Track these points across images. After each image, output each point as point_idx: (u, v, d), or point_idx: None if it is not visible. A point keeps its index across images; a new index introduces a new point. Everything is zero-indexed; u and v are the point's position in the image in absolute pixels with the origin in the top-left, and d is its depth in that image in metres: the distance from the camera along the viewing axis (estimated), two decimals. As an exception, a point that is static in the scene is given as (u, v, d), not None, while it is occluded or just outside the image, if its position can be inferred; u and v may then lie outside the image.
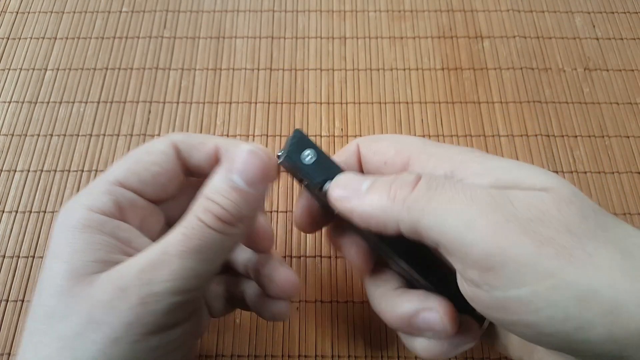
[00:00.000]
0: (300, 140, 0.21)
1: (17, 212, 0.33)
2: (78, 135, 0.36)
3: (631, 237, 0.17)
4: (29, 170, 0.35)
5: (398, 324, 0.21)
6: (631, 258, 0.16)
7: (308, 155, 0.21)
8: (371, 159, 0.22)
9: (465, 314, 0.21)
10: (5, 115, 0.37)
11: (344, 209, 0.20)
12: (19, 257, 0.32)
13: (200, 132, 0.36)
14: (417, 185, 0.18)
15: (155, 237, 0.20)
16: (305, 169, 0.21)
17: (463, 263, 0.18)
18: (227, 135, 0.36)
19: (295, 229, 0.33)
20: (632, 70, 0.39)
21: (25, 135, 0.36)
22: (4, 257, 0.32)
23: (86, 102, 0.37)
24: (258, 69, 0.39)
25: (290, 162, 0.21)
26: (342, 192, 0.20)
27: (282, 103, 0.37)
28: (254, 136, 0.36)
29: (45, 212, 0.33)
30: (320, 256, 0.32)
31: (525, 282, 0.16)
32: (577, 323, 0.16)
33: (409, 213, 0.18)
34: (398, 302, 0.21)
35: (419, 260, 0.21)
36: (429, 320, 0.20)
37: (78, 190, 0.34)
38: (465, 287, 0.18)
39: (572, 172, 0.35)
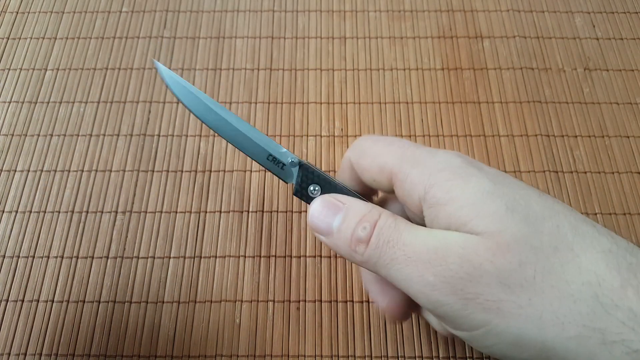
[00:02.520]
0: (305, 176, 0.23)
1: (17, 212, 0.33)
2: (78, 135, 0.36)
3: (582, 275, 0.17)
4: (29, 170, 0.35)
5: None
6: (570, 302, 0.17)
7: (314, 190, 0.23)
8: (362, 175, 0.23)
9: None
10: (5, 115, 0.37)
11: (320, 239, 0.22)
12: (19, 257, 0.32)
13: (200, 132, 0.36)
14: (369, 243, 0.20)
15: None
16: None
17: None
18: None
19: (295, 229, 0.33)
20: (632, 70, 0.39)
21: (25, 135, 0.36)
22: (4, 257, 0.32)
23: (86, 102, 0.37)
24: (258, 69, 0.39)
25: (301, 197, 0.23)
26: (316, 229, 0.22)
27: (282, 103, 0.37)
28: (254, 136, 0.36)
29: (45, 212, 0.33)
30: (320, 256, 0.32)
31: (462, 329, 0.18)
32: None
33: (367, 265, 0.20)
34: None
35: None
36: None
37: (78, 190, 0.34)
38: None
39: (572, 172, 0.35)
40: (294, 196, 0.23)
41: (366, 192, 0.24)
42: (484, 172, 0.19)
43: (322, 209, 0.22)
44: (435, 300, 0.18)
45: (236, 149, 0.26)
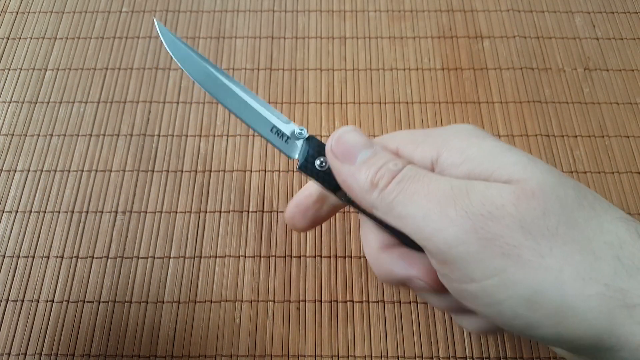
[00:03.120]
0: (312, 148, 0.22)
1: (17, 212, 0.33)
2: (78, 135, 0.36)
3: (604, 235, 0.16)
4: (29, 170, 0.35)
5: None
6: (592, 259, 0.16)
7: (323, 163, 0.22)
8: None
9: None
10: (5, 115, 0.37)
11: (334, 168, 0.21)
12: (19, 257, 0.32)
13: (200, 132, 0.36)
14: (396, 177, 0.19)
15: None
16: (320, 175, 0.22)
17: (427, 252, 0.18)
18: (227, 136, 0.36)
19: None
20: (632, 70, 0.39)
21: (25, 135, 0.36)
22: (4, 257, 0.32)
23: (86, 102, 0.37)
24: (258, 69, 0.39)
25: (306, 171, 0.22)
26: (339, 151, 0.20)
27: (282, 103, 0.37)
28: (253, 136, 0.36)
29: (45, 212, 0.33)
30: (320, 256, 0.32)
31: (473, 279, 0.17)
32: (525, 321, 0.16)
33: (381, 202, 0.19)
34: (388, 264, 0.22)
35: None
36: (419, 285, 0.21)
37: (78, 190, 0.34)
38: (438, 275, 0.19)
39: (572, 172, 0.35)
40: (298, 171, 0.22)
41: None
42: (497, 139, 0.20)
43: (355, 135, 0.20)
44: (453, 237, 0.17)
45: (239, 120, 0.25)
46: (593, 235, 0.16)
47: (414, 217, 0.18)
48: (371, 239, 0.22)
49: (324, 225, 0.33)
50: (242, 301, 0.31)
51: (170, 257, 0.32)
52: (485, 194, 0.17)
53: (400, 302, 0.30)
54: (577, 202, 0.17)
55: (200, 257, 0.32)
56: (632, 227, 0.17)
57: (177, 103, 0.37)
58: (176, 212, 0.33)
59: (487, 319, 0.19)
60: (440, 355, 0.29)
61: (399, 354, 0.29)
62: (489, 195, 0.17)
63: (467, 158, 0.19)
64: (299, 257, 0.32)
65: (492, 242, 0.16)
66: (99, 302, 0.30)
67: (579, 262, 0.16)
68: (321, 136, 0.36)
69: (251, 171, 0.35)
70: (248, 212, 0.33)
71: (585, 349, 0.16)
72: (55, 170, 0.35)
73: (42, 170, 0.35)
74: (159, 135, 0.36)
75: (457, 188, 0.17)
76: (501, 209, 0.16)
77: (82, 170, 0.35)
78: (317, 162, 0.22)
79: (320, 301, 0.31)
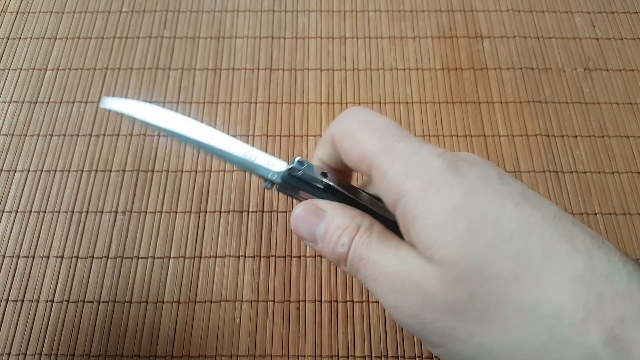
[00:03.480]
0: (285, 188, 0.23)
1: (17, 212, 0.33)
2: (78, 135, 0.36)
3: (542, 306, 0.16)
4: (29, 170, 0.35)
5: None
6: (523, 336, 0.16)
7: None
8: (343, 157, 0.22)
9: None
10: (5, 115, 0.37)
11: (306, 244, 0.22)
12: (19, 257, 0.32)
13: (200, 132, 0.36)
14: (347, 260, 0.20)
15: None
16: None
17: None
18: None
19: (295, 229, 0.33)
20: (632, 70, 0.39)
21: (25, 135, 0.36)
22: (4, 257, 0.32)
23: (86, 102, 0.37)
24: (258, 69, 0.39)
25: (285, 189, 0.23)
26: (302, 235, 0.22)
27: (282, 103, 0.37)
28: (253, 136, 0.36)
29: (45, 212, 0.33)
30: (320, 256, 0.32)
31: (428, 345, 0.19)
32: None
33: (353, 273, 0.21)
34: None
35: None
36: None
37: (78, 190, 0.34)
38: None
39: (572, 172, 0.35)
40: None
41: (346, 170, 0.23)
42: (461, 178, 0.18)
43: (305, 216, 0.22)
44: (399, 320, 0.19)
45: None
46: (528, 309, 0.16)
47: (374, 294, 0.20)
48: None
49: (324, 225, 0.33)
50: (242, 301, 0.31)
51: (170, 257, 0.32)
52: (419, 285, 0.18)
53: (400, 302, 0.30)
54: (514, 276, 0.16)
55: (200, 257, 0.32)
56: (581, 289, 0.16)
57: (177, 103, 0.37)
58: (176, 212, 0.33)
59: None
60: (440, 355, 0.29)
61: (399, 354, 0.29)
62: (421, 285, 0.18)
63: (417, 215, 0.18)
64: (299, 257, 0.32)
65: (428, 325, 0.18)
66: (99, 302, 0.30)
67: (508, 340, 0.16)
68: (321, 136, 0.36)
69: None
70: (248, 212, 0.33)
71: None
72: (55, 170, 0.35)
73: (42, 170, 0.35)
74: (159, 136, 0.36)
75: (395, 276, 0.19)
76: (432, 298, 0.18)
77: (82, 170, 0.35)
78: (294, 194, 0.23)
79: (320, 301, 0.31)
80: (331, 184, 0.22)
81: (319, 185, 0.22)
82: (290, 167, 0.22)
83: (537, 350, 0.16)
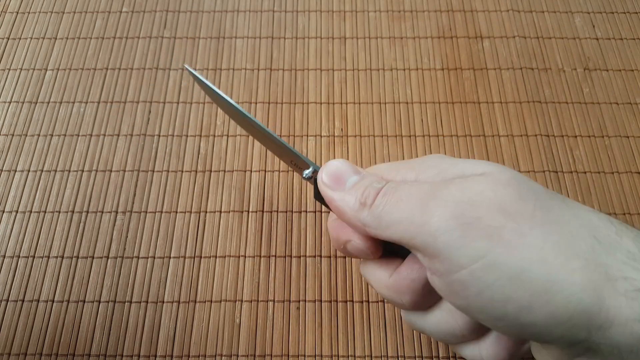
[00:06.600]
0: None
1: (17, 212, 0.33)
2: (78, 135, 0.36)
3: (578, 219, 0.17)
4: (29, 170, 0.35)
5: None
6: (570, 237, 0.17)
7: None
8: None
9: None
10: (5, 115, 0.37)
11: (326, 197, 0.22)
12: (19, 257, 0.32)
13: (200, 132, 0.36)
14: (380, 192, 0.20)
15: None
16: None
17: (418, 254, 0.19)
18: (227, 136, 0.36)
19: (295, 229, 0.33)
20: (632, 70, 0.39)
21: (25, 135, 0.36)
22: (4, 257, 0.32)
23: (86, 102, 0.37)
24: (258, 69, 0.39)
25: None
26: (330, 181, 0.22)
27: (282, 103, 0.37)
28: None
29: (45, 212, 0.33)
30: (320, 256, 0.32)
31: (461, 265, 0.17)
32: (516, 304, 0.16)
33: (371, 217, 0.20)
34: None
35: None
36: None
37: (78, 190, 0.34)
38: (430, 277, 0.20)
39: (572, 172, 0.35)
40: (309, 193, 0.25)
41: None
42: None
43: (344, 164, 0.22)
44: (435, 227, 0.17)
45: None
46: (568, 219, 0.17)
47: (400, 222, 0.19)
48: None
49: (324, 225, 0.33)
50: (242, 301, 0.31)
51: (170, 257, 0.32)
52: (464, 184, 0.18)
53: (400, 302, 0.30)
54: (548, 195, 0.18)
55: (200, 257, 0.32)
56: (603, 216, 0.18)
57: (177, 103, 0.37)
58: (176, 212, 0.33)
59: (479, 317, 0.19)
60: (440, 355, 0.29)
61: (399, 354, 0.29)
62: (467, 184, 0.18)
63: (442, 169, 0.20)
64: (299, 257, 0.32)
65: (473, 226, 0.17)
66: (99, 302, 0.30)
67: (558, 240, 0.17)
68: (321, 136, 0.36)
69: (251, 171, 0.35)
70: (248, 212, 0.33)
71: (578, 331, 0.16)
72: (56, 170, 0.35)
73: (42, 170, 0.35)
74: (159, 135, 0.36)
75: (436, 185, 0.19)
76: (480, 194, 0.17)
77: (82, 170, 0.35)
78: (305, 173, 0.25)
79: (320, 301, 0.31)
80: None
81: None
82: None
83: (585, 250, 0.16)
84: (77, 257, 0.32)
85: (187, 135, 0.36)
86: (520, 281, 0.16)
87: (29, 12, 0.41)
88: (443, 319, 0.22)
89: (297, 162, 0.25)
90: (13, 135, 0.36)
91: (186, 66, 0.28)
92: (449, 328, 0.22)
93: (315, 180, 0.24)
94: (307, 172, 0.24)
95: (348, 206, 0.21)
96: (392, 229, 0.19)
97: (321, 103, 0.37)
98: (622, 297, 0.15)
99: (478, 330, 0.22)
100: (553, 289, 0.16)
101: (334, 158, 0.35)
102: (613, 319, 0.15)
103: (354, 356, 0.29)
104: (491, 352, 0.22)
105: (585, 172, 0.35)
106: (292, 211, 0.33)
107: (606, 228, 0.17)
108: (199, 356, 0.29)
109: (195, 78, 0.26)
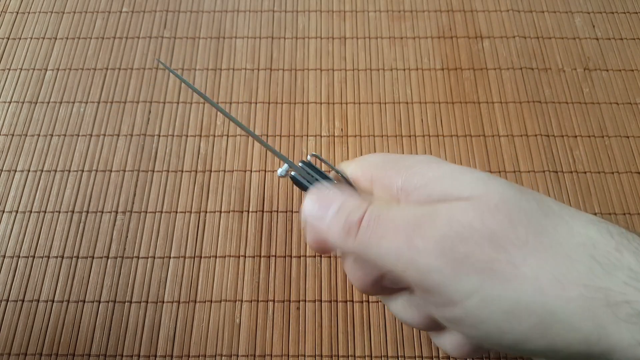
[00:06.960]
0: (299, 182, 0.24)
1: (17, 212, 0.33)
2: (78, 135, 0.36)
3: (575, 237, 0.16)
4: (29, 170, 0.35)
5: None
6: (567, 262, 0.16)
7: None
8: (353, 178, 0.23)
9: None
10: (5, 115, 0.37)
11: (313, 230, 0.21)
12: (19, 257, 0.32)
13: (200, 132, 0.36)
14: (362, 223, 0.19)
15: None
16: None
17: (411, 286, 0.18)
18: (227, 136, 0.36)
19: (295, 229, 0.33)
20: (632, 70, 0.39)
21: (25, 135, 0.36)
22: (4, 257, 0.32)
23: (86, 102, 0.37)
24: (258, 69, 0.39)
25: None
26: (313, 210, 0.21)
27: (282, 103, 0.37)
28: (254, 136, 0.36)
29: (45, 212, 0.33)
30: (320, 256, 0.32)
31: (454, 301, 0.16)
32: (512, 337, 0.16)
33: (359, 246, 0.19)
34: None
35: None
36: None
37: (78, 190, 0.34)
38: (425, 307, 0.20)
39: (572, 172, 0.35)
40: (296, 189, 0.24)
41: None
42: (456, 165, 0.20)
43: (320, 197, 0.22)
44: (424, 265, 0.17)
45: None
46: (564, 240, 0.16)
47: (388, 255, 0.18)
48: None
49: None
50: (242, 301, 0.31)
51: (170, 257, 0.32)
52: (450, 216, 0.17)
53: (400, 302, 0.30)
54: (542, 212, 0.17)
55: (200, 257, 0.32)
56: (602, 227, 0.17)
57: (177, 103, 0.37)
58: (176, 212, 0.33)
59: (472, 340, 0.19)
60: (440, 355, 0.29)
61: (399, 354, 0.29)
62: (453, 216, 0.17)
63: (428, 180, 0.19)
64: (299, 257, 0.32)
65: (463, 262, 0.16)
66: (99, 302, 0.30)
67: (554, 266, 0.16)
68: (321, 136, 0.36)
69: (251, 171, 0.35)
70: (248, 212, 0.33)
71: (578, 357, 0.16)
72: (56, 170, 0.35)
73: (42, 170, 0.35)
74: (159, 135, 0.36)
75: (420, 216, 0.18)
76: (468, 227, 0.16)
77: (82, 170, 0.35)
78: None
79: (320, 301, 0.31)
80: (346, 177, 0.23)
81: (332, 179, 0.24)
82: (309, 159, 0.25)
83: (584, 274, 0.15)
84: (77, 257, 0.32)
85: (187, 135, 0.36)
86: (515, 315, 0.16)
87: (29, 12, 0.41)
88: (403, 309, 0.22)
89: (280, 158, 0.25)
90: (13, 135, 0.36)
91: (158, 60, 0.28)
92: (407, 319, 0.22)
93: (292, 177, 0.24)
94: (281, 170, 0.24)
95: (334, 235, 0.20)
96: (382, 260, 0.18)
97: (321, 103, 0.37)
98: (623, 323, 0.15)
99: (436, 327, 0.21)
100: (550, 321, 0.15)
101: (334, 158, 0.35)
102: (614, 346, 0.15)
103: (354, 356, 0.29)
104: (455, 344, 0.21)
105: (585, 172, 0.35)
106: (292, 211, 0.33)
107: (605, 243, 0.16)
108: (199, 356, 0.29)
109: (171, 72, 0.27)
